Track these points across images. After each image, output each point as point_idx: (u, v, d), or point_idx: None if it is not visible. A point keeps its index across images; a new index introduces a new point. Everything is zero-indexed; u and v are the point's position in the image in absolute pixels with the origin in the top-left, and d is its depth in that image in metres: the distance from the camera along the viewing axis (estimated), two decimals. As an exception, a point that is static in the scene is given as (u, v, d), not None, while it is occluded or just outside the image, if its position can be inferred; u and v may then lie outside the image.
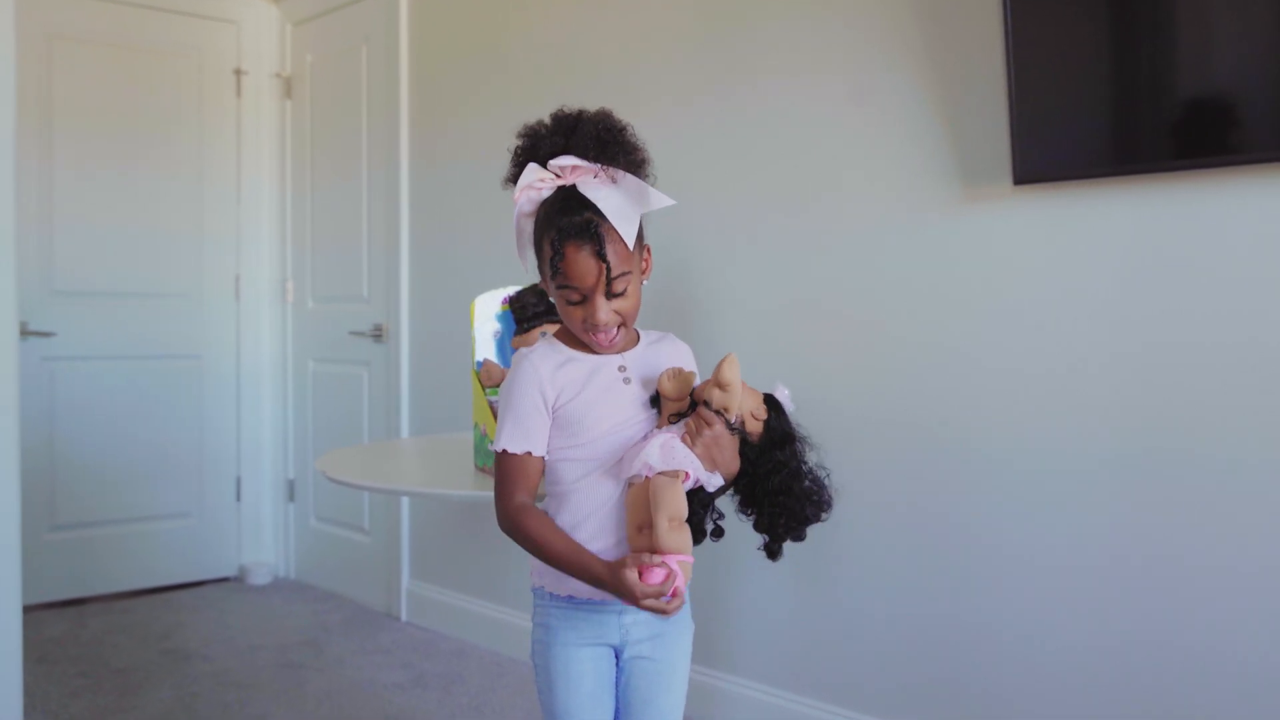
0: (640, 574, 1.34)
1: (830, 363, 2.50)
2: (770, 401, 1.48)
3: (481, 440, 2.15)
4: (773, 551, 1.50)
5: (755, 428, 1.45)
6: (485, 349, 2.20)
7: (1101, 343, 2.08)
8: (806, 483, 1.47)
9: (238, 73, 4.27)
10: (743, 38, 2.66)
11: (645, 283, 1.50)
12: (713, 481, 1.41)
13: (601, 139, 1.43)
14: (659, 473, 1.39)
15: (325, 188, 4.16)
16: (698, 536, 1.46)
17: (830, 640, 2.52)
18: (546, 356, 1.49)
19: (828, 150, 2.51)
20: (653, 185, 1.45)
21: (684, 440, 1.41)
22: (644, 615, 1.50)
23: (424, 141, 3.69)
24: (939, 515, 2.33)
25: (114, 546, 3.98)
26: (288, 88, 4.32)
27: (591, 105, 1.49)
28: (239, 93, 4.28)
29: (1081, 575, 2.12)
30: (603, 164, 1.43)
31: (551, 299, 1.49)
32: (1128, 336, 2.05)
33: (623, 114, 1.50)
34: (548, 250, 1.41)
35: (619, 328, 1.46)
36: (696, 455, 1.40)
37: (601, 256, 1.38)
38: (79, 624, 3.64)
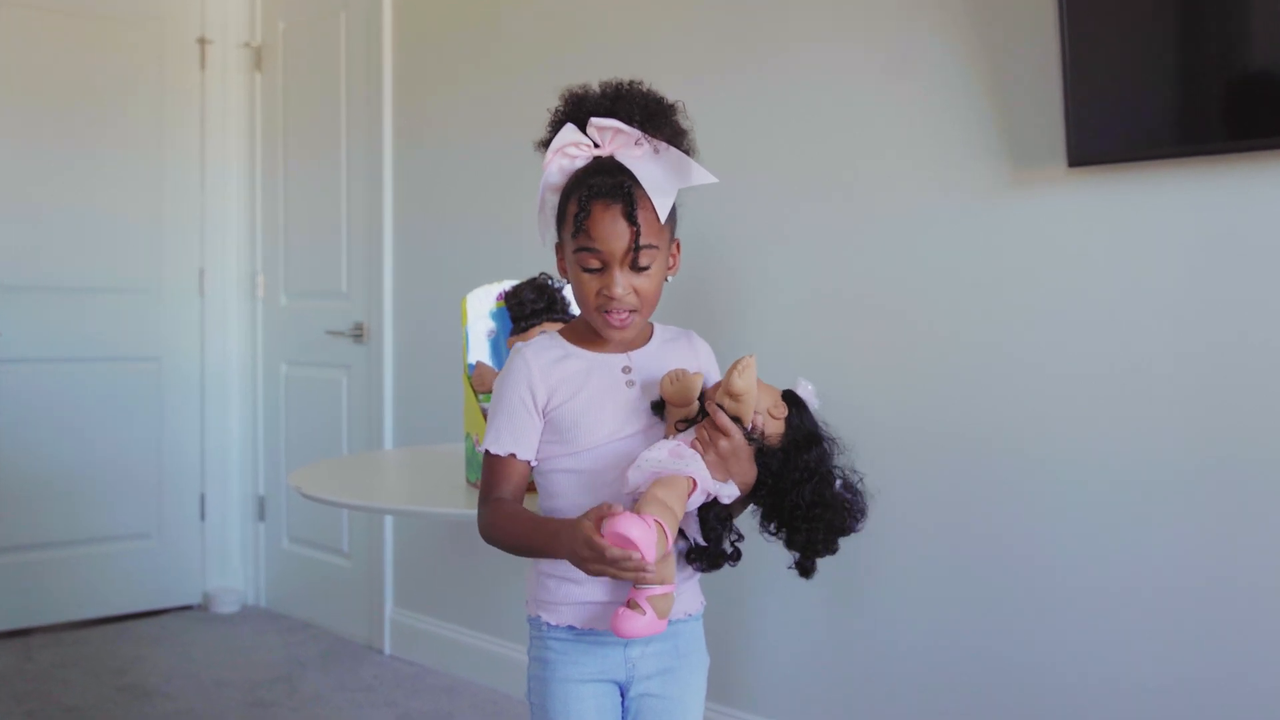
0: (603, 525, 1.30)
1: (864, 363, 2.51)
2: (791, 398, 1.48)
3: (474, 452, 2.17)
4: (806, 569, 1.50)
5: (775, 428, 1.46)
6: (478, 350, 2.22)
7: (1167, 341, 2.10)
8: (839, 487, 1.47)
9: (202, 42, 4.30)
10: (766, 2, 2.68)
11: (671, 279, 1.52)
12: (726, 491, 1.43)
13: (650, 109, 1.48)
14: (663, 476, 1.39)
15: (300, 171, 4.19)
16: (716, 561, 1.48)
17: (861, 675, 2.53)
18: (541, 352, 1.51)
19: (862, 128, 2.53)
20: None
21: (695, 449, 1.42)
22: (652, 648, 1.52)
23: (409, 119, 3.71)
24: (984, 535, 2.34)
25: (64, 571, 4.01)
26: (257, 59, 4.36)
27: (596, 79, 1.53)
28: (203, 64, 4.31)
29: (1146, 604, 2.13)
30: (647, 133, 1.47)
31: (565, 276, 1.51)
32: (1196, 334, 2.06)
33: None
34: (573, 208, 1.44)
35: (632, 313, 1.47)
36: (708, 463, 1.41)
37: (631, 219, 1.42)
38: (25, 657, 3.67)
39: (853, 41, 2.53)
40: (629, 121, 1.46)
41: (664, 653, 1.54)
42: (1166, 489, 2.10)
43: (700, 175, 1.46)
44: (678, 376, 1.46)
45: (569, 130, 1.48)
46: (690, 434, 1.45)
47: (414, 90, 3.69)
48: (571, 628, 1.51)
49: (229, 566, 4.38)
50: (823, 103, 2.59)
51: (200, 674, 3.53)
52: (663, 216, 1.45)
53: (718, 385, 1.46)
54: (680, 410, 1.46)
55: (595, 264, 1.45)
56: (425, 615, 3.66)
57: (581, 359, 1.51)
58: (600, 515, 1.32)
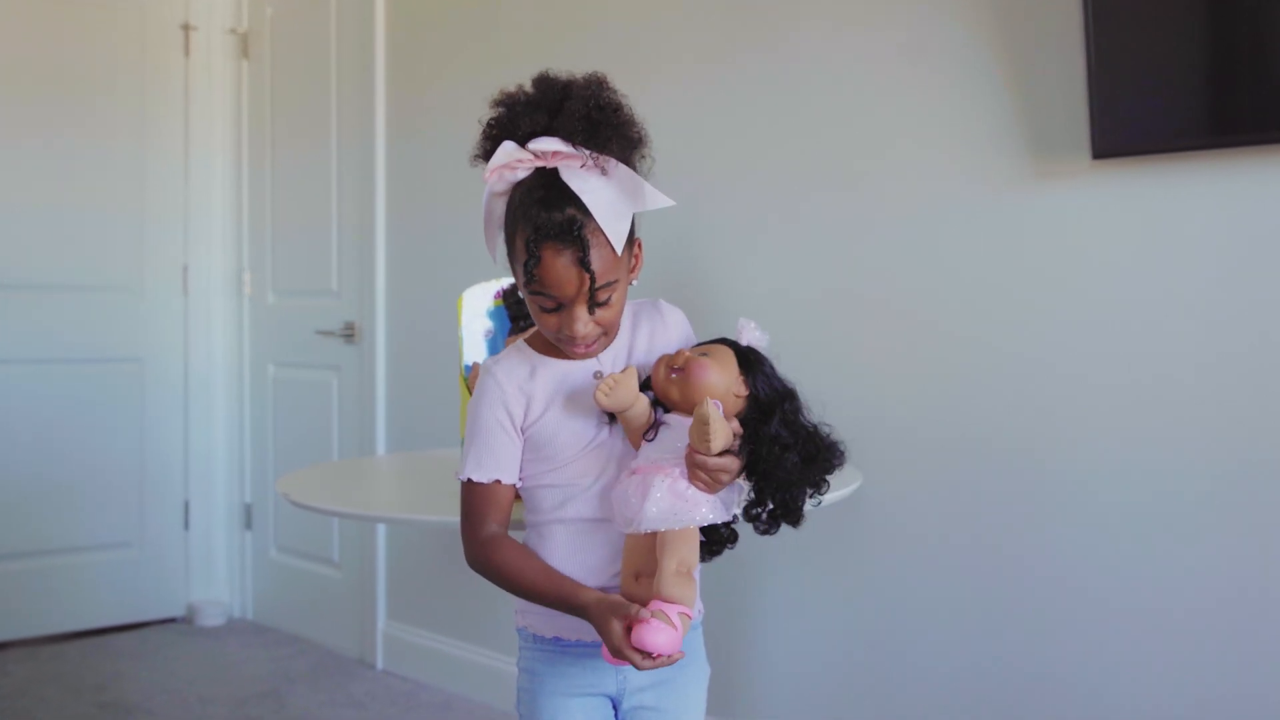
0: (630, 628, 1.32)
1: (875, 363, 2.51)
2: (745, 363, 1.46)
3: (470, 458, 2.17)
4: (766, 526, 1.47)
5: (739, 406, 1.45)
6: (475, 351, 2.22)
7: (1197, 344, 2.09)
8: (794, 457, 1.44)
9: (185, 28, 4.31)
10: (775, -14, 2.69)
11: (634, 284, 1.49)
12: (733, 497, 1.43)
13: (593, 119, 1.40)
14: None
15: (288, 163, 4.19)
16: (717, 547, 1.49)
17: (869, 684, 2.53)
18: (512, 370, 1.50)
19: (876, 115, 2.53)
20: (649, 169, 1.45)
21: (694, 484, 1.40)
22: None
23: (403, 110, 3.72)
24: (1004, 547, 2.34)
25: (40, 582, 4.01)
26: (244, 46, 4.36)
27: (598, 66, 1.49)
28: (187, 51, 4.32)
29: (1178, 621, 2.12)
30: (592, 150, 1.40)
31: (522, 296, 1.49)
32: (1229, 336, 2.06)
33: (635, 75, 1.51)
34: (521, 250, 1.39)
35: (599, 338, 1.45)
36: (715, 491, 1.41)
37: (585, 265, 1.36)
38: (0, 672, 3.68)
39: (866, 24, 2.53)
40: (570, 139, 1.40)
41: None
42: (1198, 499, 2.10)
43: (654, 198, 1.40)
44: (609, 388, 1.41)
45: (508, 150, 1.42)
46: (666, 444, 1.43)
47: (408, 79, 3.70)
48: (559, 639, 1.52)
49: (214, 577, 4.39)
50: (834, 88, 2.58)
51: (184, 690, 3.53)
52: (619, 249, 1.39)
53: (665, 362, 1.44)
54: (633, 416, 1.44)
55: (551, 305, 1.41)
56: (419, 628, 3.66)
57: (552, 369, 1.50)
58: (627, 617, 1.32)
